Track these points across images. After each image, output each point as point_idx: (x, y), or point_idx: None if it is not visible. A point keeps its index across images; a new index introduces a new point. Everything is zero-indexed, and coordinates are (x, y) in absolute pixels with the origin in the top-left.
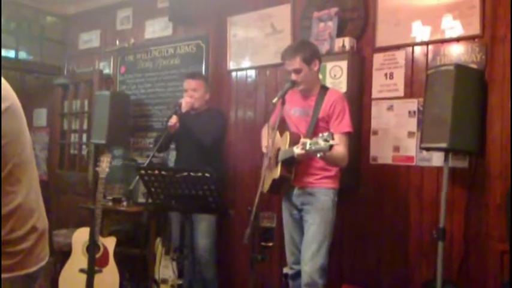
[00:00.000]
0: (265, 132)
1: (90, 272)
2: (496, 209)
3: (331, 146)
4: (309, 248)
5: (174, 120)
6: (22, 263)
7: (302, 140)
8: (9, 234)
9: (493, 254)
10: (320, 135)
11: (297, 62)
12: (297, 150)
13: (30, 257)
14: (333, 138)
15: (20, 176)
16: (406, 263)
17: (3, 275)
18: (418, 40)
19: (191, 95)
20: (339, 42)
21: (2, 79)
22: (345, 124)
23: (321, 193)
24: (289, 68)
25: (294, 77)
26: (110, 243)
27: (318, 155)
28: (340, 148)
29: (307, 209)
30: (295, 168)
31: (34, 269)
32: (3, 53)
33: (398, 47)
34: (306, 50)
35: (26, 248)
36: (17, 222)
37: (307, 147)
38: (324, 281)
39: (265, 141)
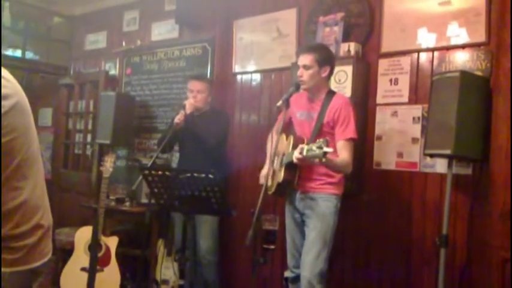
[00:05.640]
0: (270, 139)
1: (92, 271)
2: (499, 217)
3: (325, 153)
4: (309, 253)
5: (181, 116)
6: (26, 258)
7: (300, 145)
8: (14, 229)
9: (496, 262)
10: (317, 141)
11: (309, 59)
12: (295, 155)
13: (33, 253)
14: (327, 146)
15: (26, 172)
16: (408, 270)
17: (7, 269)
18: (423, 46)
19: (195, 97)
20: (344, 47)
21: (11, 76)
22: (350, 130)
23: (323, 199)
24: (299, 63)
25: (300, 72)
26: (112, 242)
27: (314, 161)
28: (344, 155)
29: (309, 214)
30: (299, 173)
31: (37, 264)
32: (10, 52)
33: (403, 53)
34: (322, 52)
35: (30, 243)
36: (22, 218)
37: (304, 152)
38: (323, 286)
39: (269, 147)
